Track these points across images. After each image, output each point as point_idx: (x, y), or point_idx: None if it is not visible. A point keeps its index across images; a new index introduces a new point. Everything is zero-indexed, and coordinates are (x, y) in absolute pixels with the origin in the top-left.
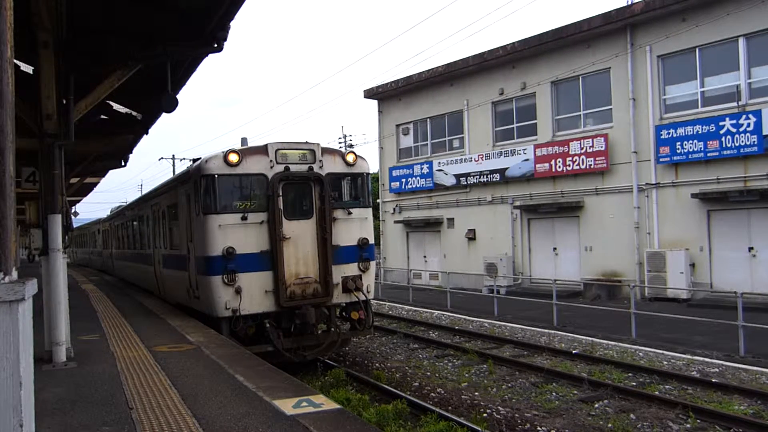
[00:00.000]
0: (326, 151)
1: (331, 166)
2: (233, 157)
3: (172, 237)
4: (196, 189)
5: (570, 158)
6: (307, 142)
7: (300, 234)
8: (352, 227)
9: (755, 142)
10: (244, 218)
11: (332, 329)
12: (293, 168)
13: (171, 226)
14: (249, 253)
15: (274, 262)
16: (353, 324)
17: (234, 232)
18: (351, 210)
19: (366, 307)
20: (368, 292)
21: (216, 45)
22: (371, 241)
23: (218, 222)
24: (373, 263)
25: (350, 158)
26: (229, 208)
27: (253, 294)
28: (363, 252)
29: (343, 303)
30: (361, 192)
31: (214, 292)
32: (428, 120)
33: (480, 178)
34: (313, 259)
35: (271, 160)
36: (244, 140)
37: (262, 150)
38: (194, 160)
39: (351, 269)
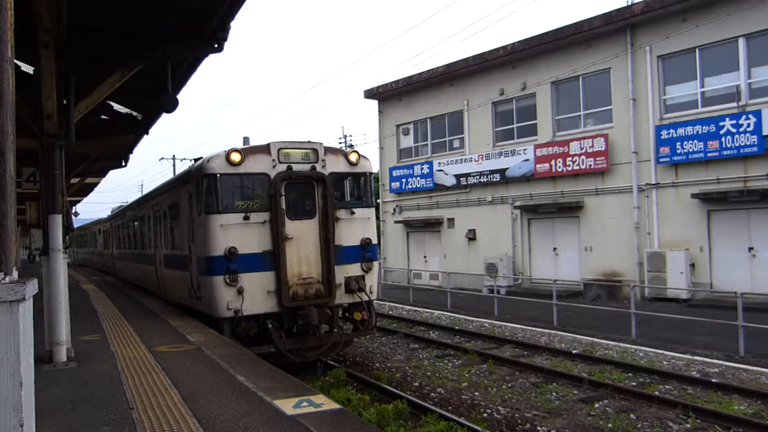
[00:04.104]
0: (329, 150)
1: (334, 165)
2: (235, 157)
3: (174, 237)
4: (198, 188)
5: (570, 158)
6: (309, 142)
7: (302, 234)
8: (355, 227)
9: (755, 143)
10: (246, 218)
11: (335, 330)
12: (296, 167)
13: (172, 226)
14: (251, 253)
15: (277, 263)
16: (356, 325)
17: (236, 232)
18: (354, 210)
19: (369, 307)
20: (371, 292)
21: (216, 45)
22: (374, 241)
23: (220, 222)
24: (376, 263)
25: (353, 158)
26: (231, 207)
27: (255, 294)
28: (366, 252)
29: (345, 303)
30: (363, 192)
31: (216, 292)
32: (428, 120)
33: (480, 178)
34: (316, 259)
35: (273, 160)
36: (246, 139)
37: (265, 149)
38: (196, 160)
39: (354, 269)
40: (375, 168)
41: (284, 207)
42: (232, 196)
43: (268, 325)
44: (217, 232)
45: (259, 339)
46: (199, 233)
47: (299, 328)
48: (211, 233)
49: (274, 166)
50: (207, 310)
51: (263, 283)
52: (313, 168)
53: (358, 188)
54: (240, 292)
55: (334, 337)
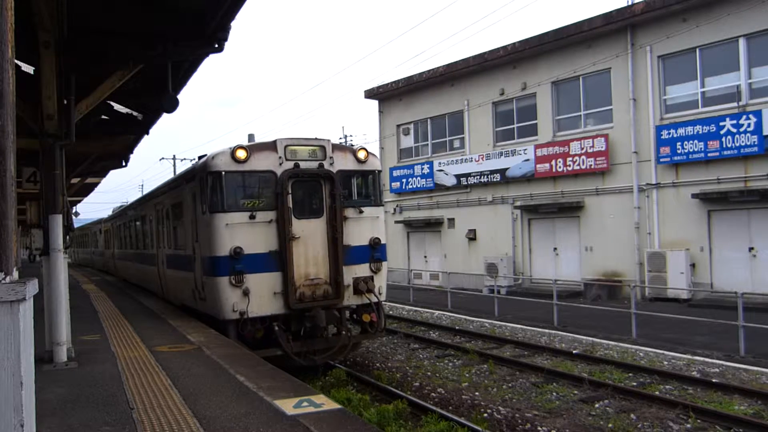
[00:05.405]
0: (337, 147)
1: (342, 163)
2: (241, 154)
3: (177, 236)
4: (202, 187)
5: (570, 158)
6: (317, 138)
7: (310, 233)
8: (364, 226)
9: (755, 143)
10: (252, 217)
11: (343, 332)
12: (303, 165)
13: (175, 225)
14: (257, 254)
15: (284, 263)
16: (364, 327)
17: (241, 232)
18: (362, 209)
19: (378, 309)
20: (380, 293)
21: (217, 45)
22: (383, 240)
23: (225, 221)
24: (385, 264)
25: (361, 155)
26: (237, 206)
27: (261, 296)
28: (375, 252)
29: (354, 305)
30: (372, 190)
31: (221, 293)
32: (429, 120)
33: (480, 178)
34: (324, 259)
35: (280, 157)
36: (251, 136)
37: (271, 146)
38: (200, 158)
39: (362, 270)
40: None
41: (291, 206)
42: (238, 195)
43: (275, 327)
44: (222, 232)
45: (266, 342)
46: (203, 233)
47: (306, 331)
48: (215, 233)
49: (280, 164)
50: (212, 312)
51: (269, 284)
52: (321, 165)
53: (367, 186)
54: (246, 293)
55: (342, 339)
